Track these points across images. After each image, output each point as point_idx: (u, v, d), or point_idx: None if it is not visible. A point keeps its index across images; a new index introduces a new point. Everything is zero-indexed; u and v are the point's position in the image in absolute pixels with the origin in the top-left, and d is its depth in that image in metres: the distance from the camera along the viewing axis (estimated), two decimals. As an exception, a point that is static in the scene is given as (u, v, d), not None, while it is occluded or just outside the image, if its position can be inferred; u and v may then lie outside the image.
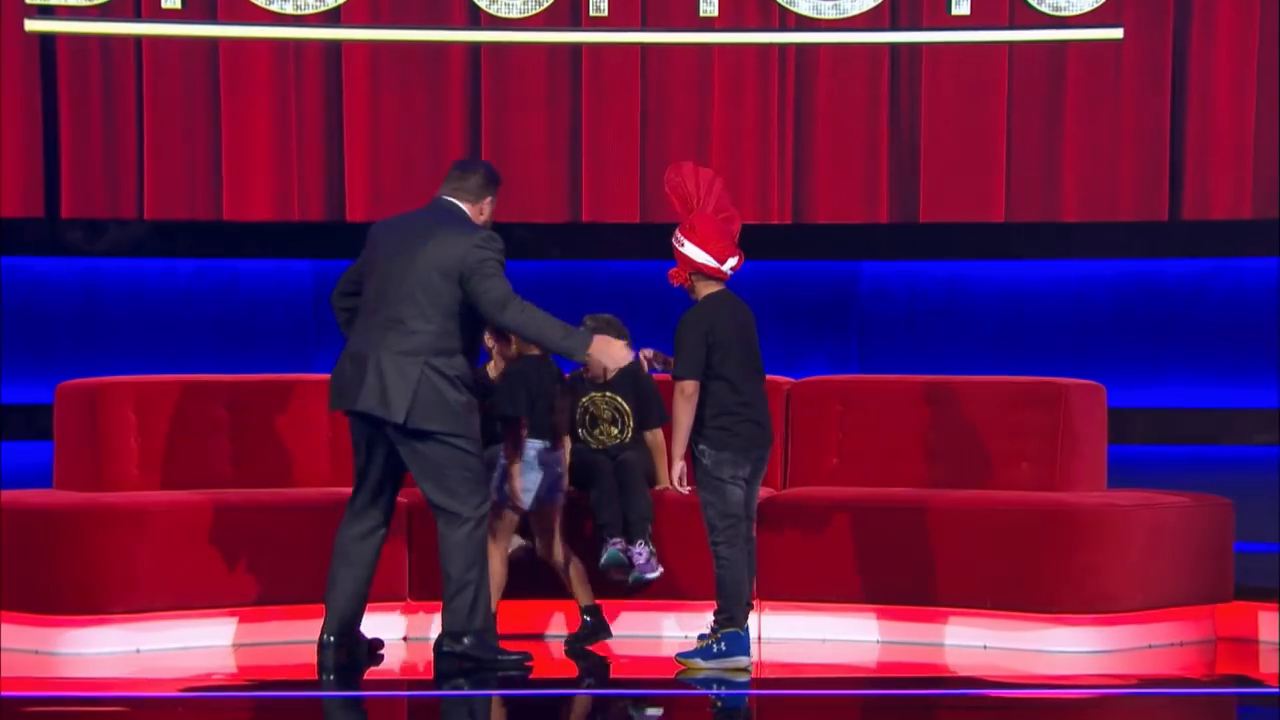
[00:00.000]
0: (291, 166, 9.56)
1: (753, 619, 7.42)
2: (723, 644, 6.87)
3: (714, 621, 6.91)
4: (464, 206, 6.92)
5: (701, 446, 6.85)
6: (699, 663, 6.89)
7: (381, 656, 7.09)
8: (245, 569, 7.32)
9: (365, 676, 6.88)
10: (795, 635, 7.54)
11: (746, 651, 6.89)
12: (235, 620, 7.34)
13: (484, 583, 6.78)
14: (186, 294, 9.55)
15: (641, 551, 7.32)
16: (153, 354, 9.41)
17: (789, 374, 8.36)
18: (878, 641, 7.48)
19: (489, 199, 6.95)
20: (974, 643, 7.38)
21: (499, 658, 6.84)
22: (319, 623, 7.03)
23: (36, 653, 7.16)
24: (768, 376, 8.02)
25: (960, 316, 9.63)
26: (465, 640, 6.77)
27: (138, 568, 7.22)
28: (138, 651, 7.20)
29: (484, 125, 9.58)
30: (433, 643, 6.88)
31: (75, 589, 7.18)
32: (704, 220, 6.88)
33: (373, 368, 6.72)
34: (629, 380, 7.52)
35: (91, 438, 7.65)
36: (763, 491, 7.70)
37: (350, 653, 6.92)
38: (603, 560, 7.35)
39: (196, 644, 7.29)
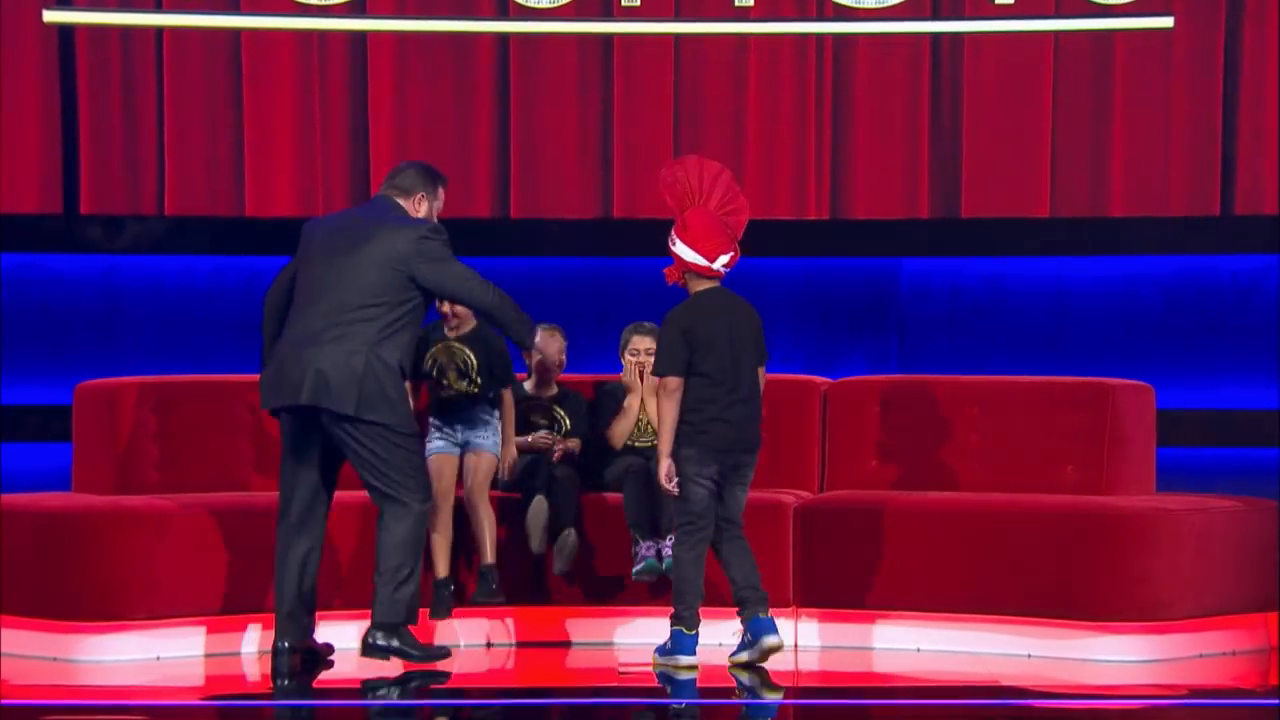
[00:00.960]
0: (315, 161, 9.57)
1: (790, 626, 7.44)
2: (669, 641, 7.02)
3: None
4: (400, 202, 7.09)
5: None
6: (656, 657, 7.06)
7: (332, 663, 7.09)
8: (268, 573, 7.32)
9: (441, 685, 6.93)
10: (833, 643, 7.52)
11: (691, 652, 7.00)
12: (258, 627, 7.35)
13: (418, 577, 6.91)
14: (208, 292, 9.57)
15: (669, 545, 7.34)
16: (173, 354, 9.43)
17: (826, 374, 8.34)
18: (918, 650, 7.45)
19: (421, 194, 7.11)
20: (1018, 651, 7.35)
21: (426, 653, 6.97)
22: (345, 627, 7.13)
23: (54, 660, 7.18)
24: (803, 377, 8.07)
25: (1003, 315, 9.59)
26: (395, 638, 6.88)
27: (158, 573, 7.23)
28: (158, 659, 7.22)
29: (513, 118, 9.58)
30: (361, 636, 6.93)
31: (94, 594, 7.20)
32: (696, 217, 7.02)
33: (317, 361, 6.83)
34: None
35: (111, 439, 7.67)
36: (801, 495, 7.70)
37: (304, 659, 7.00)
38: (638, 569, 7.38)
39: (218, 651, 7.31)
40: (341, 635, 7.21)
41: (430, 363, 7.56)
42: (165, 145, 9.52)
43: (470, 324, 7.60)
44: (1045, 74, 9.52)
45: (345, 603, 7.31)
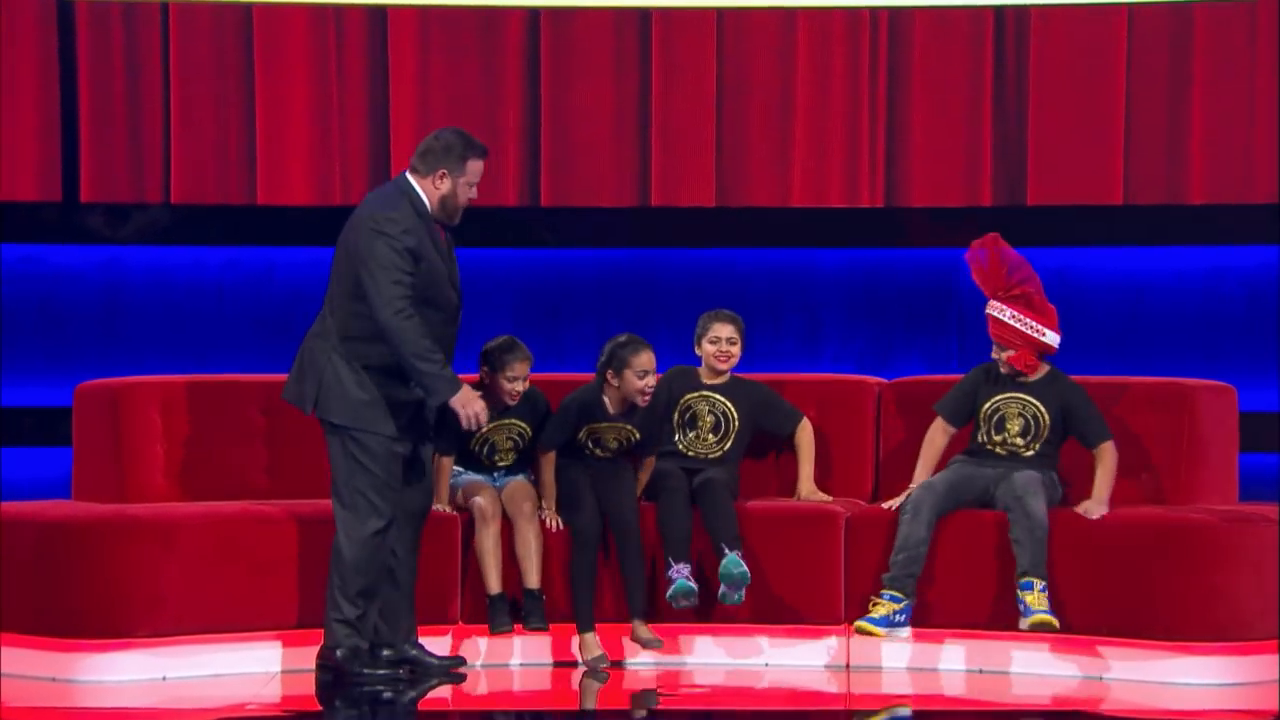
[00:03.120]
0: (332, 145, 9.60)
1: (841, 644, 7.42)
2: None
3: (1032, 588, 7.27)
4: (413, 181, 6.96)
5: None
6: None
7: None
8: (282, 587, 7.35)
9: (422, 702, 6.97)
10: (889, 663, 7.50)
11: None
12: (271, 643, 7.37)
13: (348, 607, 6.98)
14: (218, 286, 9.60)
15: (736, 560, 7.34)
16: (181, 351, 9.46)
17: (880, 374, 8.34)
18: (980, 671, 7.43)
19: (442, 171, 6.92)
20: (1090, 673, 7.33)
21: (375, 675, 7.07)
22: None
23: (54, 680, 7.20)
24: (855, 377, 8.14)
25: (1073, 310, 9.54)
26: (335, 661, 6.99)
27: (164, 586, 7.25)
28: (164, 679, 7.24)
29: (543, 99, 9.59)
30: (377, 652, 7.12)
31: (96, 610, 7.22)
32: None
33: (298, 356, 7.01)
34: (742, 389, 7.69)
35: (114, 443, 7.70)
36: (853, 504, 7.70)
37: (412, 667, 7.15)
38: (670, 591, 7.35)
39: (228, 670, 7.33)
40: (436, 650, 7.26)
41: (480, 444, 7.55)
42: (171, 129, 9.56)
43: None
44: (1118, 49, 9.49)
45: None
